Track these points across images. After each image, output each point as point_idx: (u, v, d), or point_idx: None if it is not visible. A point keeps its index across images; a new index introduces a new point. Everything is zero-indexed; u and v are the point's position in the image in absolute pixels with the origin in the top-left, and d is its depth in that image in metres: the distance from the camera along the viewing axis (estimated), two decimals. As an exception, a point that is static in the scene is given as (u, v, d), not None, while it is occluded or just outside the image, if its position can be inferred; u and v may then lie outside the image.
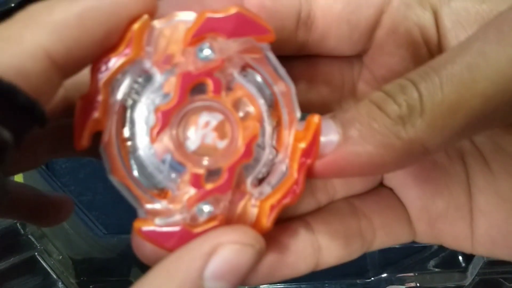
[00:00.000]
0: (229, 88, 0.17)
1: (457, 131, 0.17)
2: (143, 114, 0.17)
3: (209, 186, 0.17)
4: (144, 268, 0.18)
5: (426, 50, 0.22)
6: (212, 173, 0.17)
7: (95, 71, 0.17)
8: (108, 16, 0.16)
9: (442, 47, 0.22)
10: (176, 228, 0.17)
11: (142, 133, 0.17)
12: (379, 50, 0.22)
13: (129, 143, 0.18)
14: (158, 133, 0.17)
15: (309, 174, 0.18)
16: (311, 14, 0.22)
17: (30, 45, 0.15)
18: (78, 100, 0.17)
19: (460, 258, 0.35)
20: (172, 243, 0.17)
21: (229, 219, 0.18)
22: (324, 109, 0.22)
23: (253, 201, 0.18)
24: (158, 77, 0.17)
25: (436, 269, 0.35)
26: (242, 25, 0.17)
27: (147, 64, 0.17)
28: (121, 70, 0.17)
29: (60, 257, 0.40)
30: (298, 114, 0.18)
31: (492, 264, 0.28)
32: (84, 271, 0.40)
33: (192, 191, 0.17)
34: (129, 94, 0.17)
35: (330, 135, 0.18)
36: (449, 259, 0.35)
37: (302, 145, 0.18)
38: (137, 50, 0.17)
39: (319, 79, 0.23)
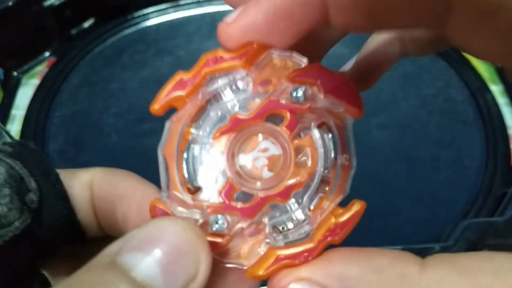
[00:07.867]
0: (299, 134, 0.18)
1: None
2: (217, 114, 0.19)
3: (234, 203, 0.17)
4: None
5: None
6: (242, 196, 0.18)
7: (205, 62, 0.18)
8: None
9: None
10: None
11: (207, 129, 0.18)
12: None
13: (193, 132, 0.18)
14: (222, 133, 0.18)
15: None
16: None
17: None
18: (178, 73, 0.19)
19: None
20: None
21: (231, 246, 0.18)
22: None
23: (263, 245, 0.18)
24: (248, 93, 0.19)
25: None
26: (342, 90, 0.18)
27: (248, 78, 0.19)
28: (225, 71, 0.18)
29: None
30: (347, 191, 0.18)
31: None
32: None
33: (219, 199, 0.17)
34: (216, 95, 0.19)
35: None
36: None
37: (334, 220, 0.17)
38: (247, 63, 0.18)
39: None
